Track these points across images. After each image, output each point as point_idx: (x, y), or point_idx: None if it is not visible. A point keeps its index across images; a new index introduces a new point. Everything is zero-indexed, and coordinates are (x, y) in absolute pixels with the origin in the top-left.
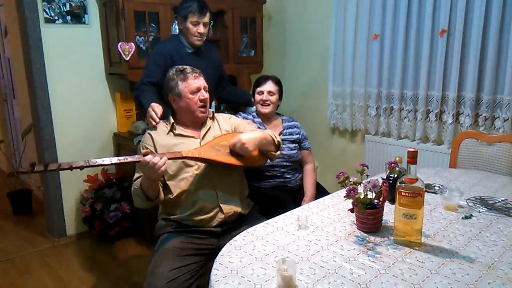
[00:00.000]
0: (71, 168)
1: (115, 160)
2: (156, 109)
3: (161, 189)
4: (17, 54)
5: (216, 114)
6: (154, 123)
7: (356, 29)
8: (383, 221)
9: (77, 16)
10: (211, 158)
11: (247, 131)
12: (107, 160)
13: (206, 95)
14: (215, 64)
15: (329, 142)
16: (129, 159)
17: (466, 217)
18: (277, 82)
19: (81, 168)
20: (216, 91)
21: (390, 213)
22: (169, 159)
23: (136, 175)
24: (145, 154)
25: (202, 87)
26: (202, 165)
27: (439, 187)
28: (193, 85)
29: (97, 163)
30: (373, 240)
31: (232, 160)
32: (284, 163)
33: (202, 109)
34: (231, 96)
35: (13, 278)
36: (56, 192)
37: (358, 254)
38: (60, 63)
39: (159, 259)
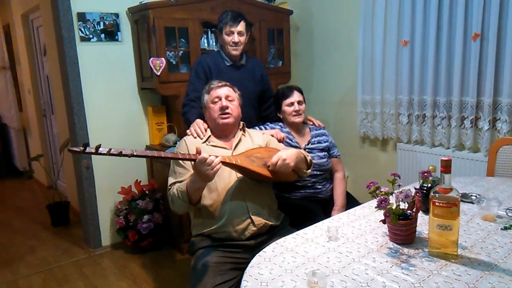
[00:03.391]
0: (120, 154)
1: (165, 154)
2: (201, 125)
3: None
4: (55, 71)
5: (249, 130)
6: (194, 135)
7: (385, 36)
8: (417, 233)
9: (111, 34)
10: (246, 167)
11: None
12: (154, 153)
13: (225, 103)
14: (257, 78)
15: (360, 151)
16: (182, 156)
17: (505, 228)
18: (301, 91)
19: (129, 156)
20: (259, 106)
21: (424, 224)
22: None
23: (171, 180)
24: (198, 152)
25: (223, 96)
26: (233, 177)
27: (476, 196)
28: (214, 95)
29: (143, 154)
30: (406, 252)
31: (266, 172)
32: (315, 172)
33: (223, 116)
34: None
35: (51, 287)
36: (91, 204)
37: (391, 267)
38: (95, 79)
39: (200, 276)
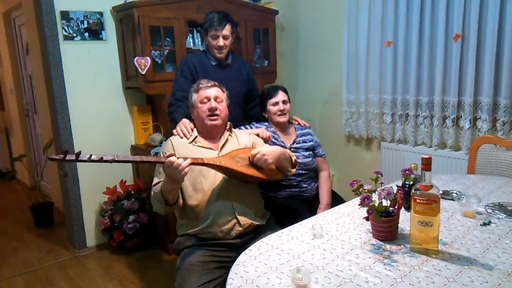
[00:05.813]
0: (101, 160)
1: (141, 158)
2: (187, 125)
3: (180, 194)
4: (38, 70)
5: (236, 130)
6: (180, 135)
7: (368, 37)
8: (399, 229)
9: (95, 32)
10: (230, 167)
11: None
12: (136, 158)
13: (214, 104)
14: (243, 78)
15: (345, 150)
16: (153, 159)
17: (484, 224)
18: (285, 91)
19: (111, 161)
20: (245, 105)
21: (406, 220)
22: (192, 163)
23: (155, 180)
24: (168, 156)
25: (212, 97)
26: (219, 177)
27: (456, 193)
28: (203, 95)
29: (124, 159)
30: (389, 248)
31: (251, 172)
32: (300, 171)
33: (211, 117)
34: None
35: None
36: (76, 204)
37: (374, 263)
38: (79, 79)
39: (185, 275)
